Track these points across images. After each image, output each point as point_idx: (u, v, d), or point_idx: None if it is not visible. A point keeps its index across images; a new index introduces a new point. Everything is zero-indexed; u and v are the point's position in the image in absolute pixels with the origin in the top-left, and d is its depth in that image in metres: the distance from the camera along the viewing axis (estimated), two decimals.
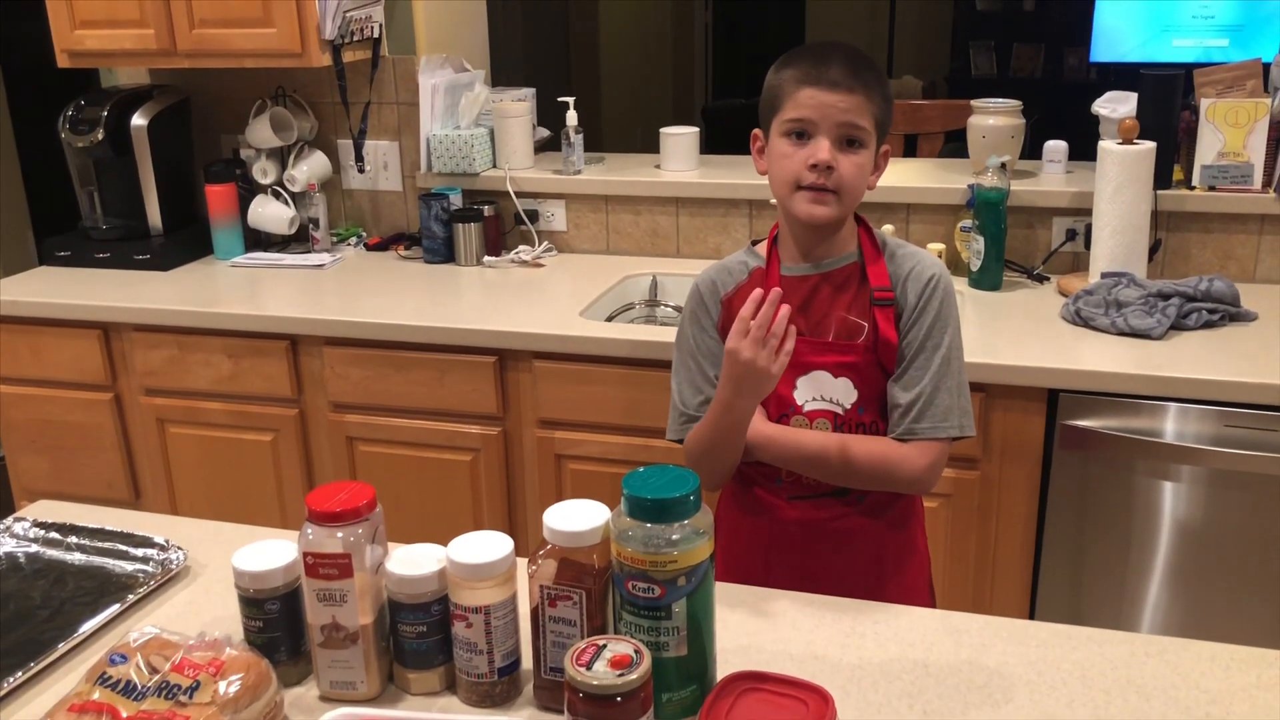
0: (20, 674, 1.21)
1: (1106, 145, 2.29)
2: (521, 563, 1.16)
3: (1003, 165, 2.42)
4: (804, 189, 1.47)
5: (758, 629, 1.28)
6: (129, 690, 1.07)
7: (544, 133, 3.06)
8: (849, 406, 1.51)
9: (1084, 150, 2.66)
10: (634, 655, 1.00)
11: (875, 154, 1.50)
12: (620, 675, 0.97)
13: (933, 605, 1.61)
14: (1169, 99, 2.39)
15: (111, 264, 2.86)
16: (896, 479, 1.50)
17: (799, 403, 1.52)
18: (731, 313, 1.49)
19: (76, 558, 1.47)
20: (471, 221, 2.75)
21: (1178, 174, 2.46)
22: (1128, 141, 2.27)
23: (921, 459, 1.48)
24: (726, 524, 1.60)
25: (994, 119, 2.60)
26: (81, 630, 1.29)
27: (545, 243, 2.86)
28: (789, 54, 1.51)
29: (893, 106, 1.52)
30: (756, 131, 1.57)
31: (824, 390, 1.51)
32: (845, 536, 1.55)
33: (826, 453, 1.48)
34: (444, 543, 1.17)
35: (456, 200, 2.81)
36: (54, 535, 1.51)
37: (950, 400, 1.48)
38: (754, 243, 1.63)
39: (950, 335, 1.50)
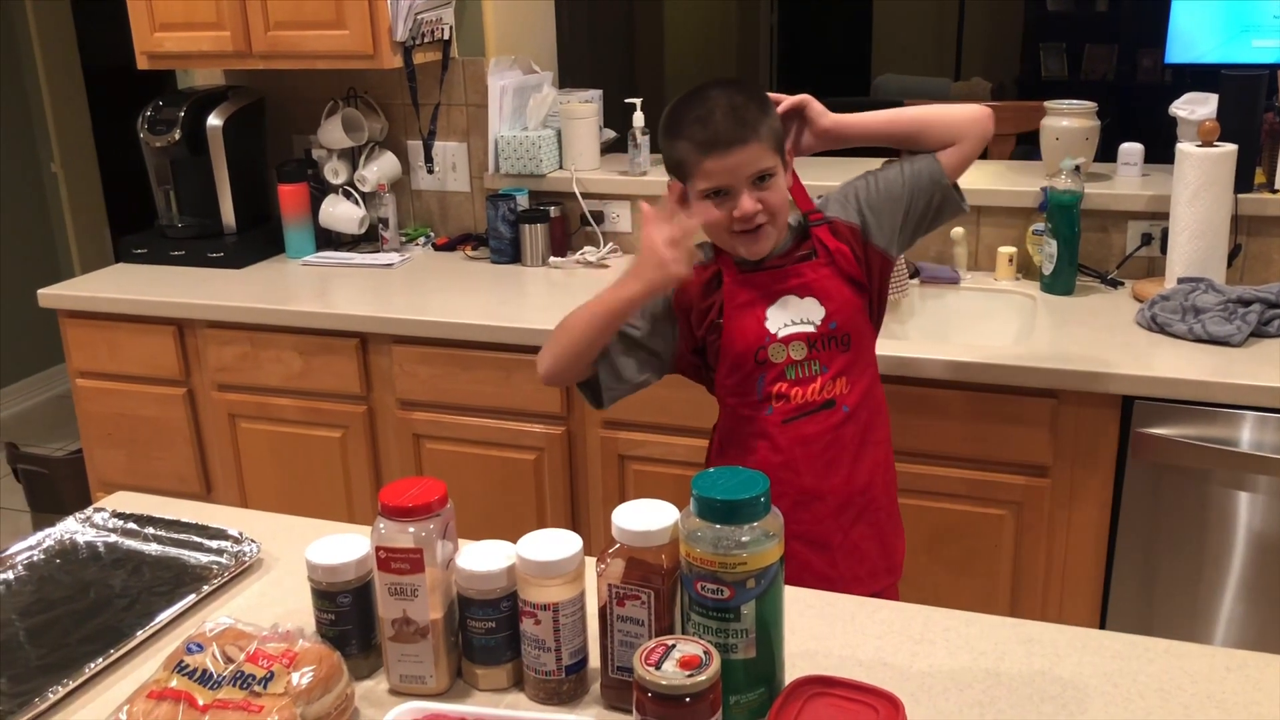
0: (101, 660, 1.24)
1: (1185, 148, 2.24)
2: (590, 561, 1.16)
3: (1077, 168, 2.38)
4: (738, 234, 1.58)
5: (825, 633, 1.27)
6: (205, 679, 1.08)
7: (610, 134, 3.06)
8: (819, 322, 1.62)
9: (1158, 153, 2.61)
10: (703, 656, 0.99)
11: (785, 164, 1.61)
12: (690, 676, 0.97)
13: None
14: (1251, 100, 2.33)
15: (186, 262, 2.92)
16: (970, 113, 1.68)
17: (773, 331, 1.62)
18: (684, 296, 1.64)
19: (153, 548, 1.50)
20: (538, 222, 2.77)
21: (1259, 177, 2.40)
22: (1207, 144, 2.22)
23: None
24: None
25: (1068, 121, 2.55)
26: (159, 619, 1.31)
27: (610, 244, 2.86)
28: (672, 117, 1.60)
29: (778, 118, 1.62)
30: (672, 183, 1.64)
31: (794, 313, 1.62)
32: (839, 447, 1.63)
33: (900, 117, 1.70)
34: (507, 540, 1.18)
35: (523, 201, 2.82)
36: (132, 526, 1.54)
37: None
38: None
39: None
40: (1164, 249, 2.38)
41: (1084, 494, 2.09)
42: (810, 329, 1.62)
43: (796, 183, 1.67)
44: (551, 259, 2.79)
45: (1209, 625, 2.08)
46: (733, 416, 1.67)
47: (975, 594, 2.18)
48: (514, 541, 1.17)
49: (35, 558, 1.48)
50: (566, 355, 1.62)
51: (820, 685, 1.09)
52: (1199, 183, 2.22)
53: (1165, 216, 2.35)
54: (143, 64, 2.87)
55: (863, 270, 1.66)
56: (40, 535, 1.52)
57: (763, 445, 1.64)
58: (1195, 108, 2.44)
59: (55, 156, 4.73)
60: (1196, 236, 2.25)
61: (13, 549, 1.49)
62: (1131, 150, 2.60)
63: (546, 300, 2.57)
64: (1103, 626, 2.14)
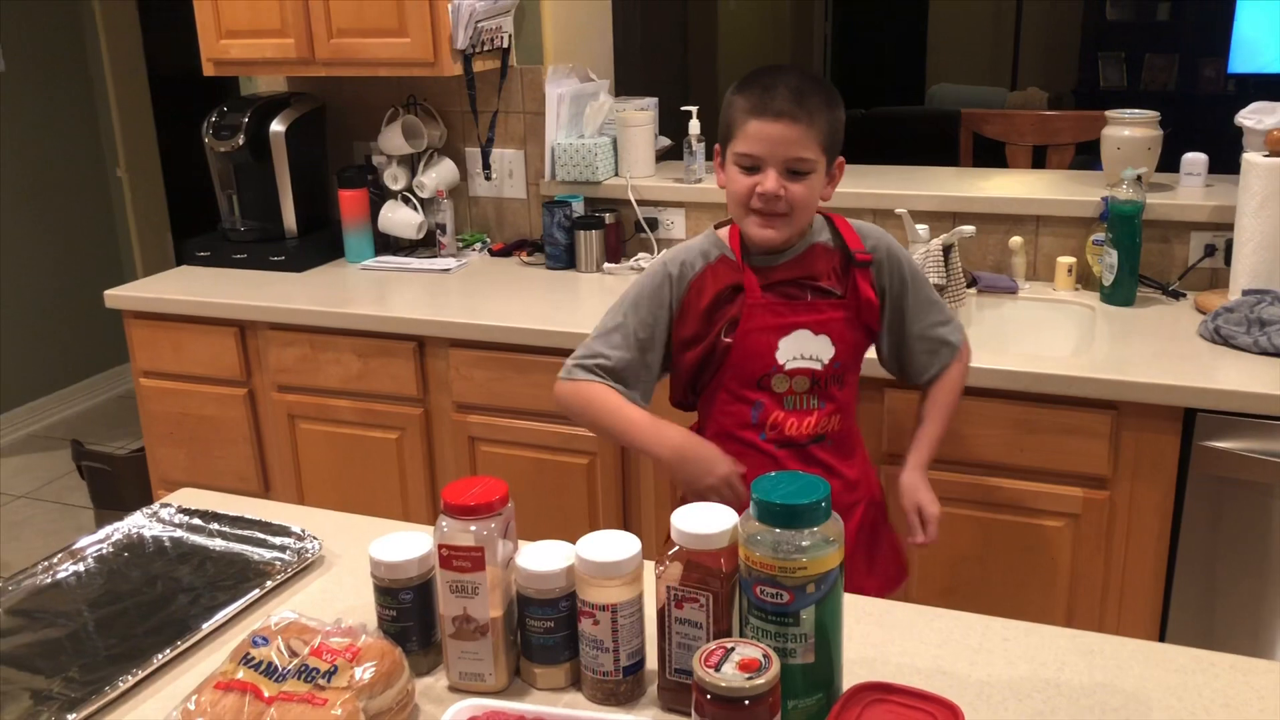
0: (168, 651, 1.26)
1: (1252, 158, 2.21)
2: (648, 563, 1.17)
3: (1138, 177, 2.35)
4: (754, 212, 1.60)
5: (883, 641, 1.26)
6: (270, 671, 1.10)
7: (665, 142, 3.08)
8: (826, 362, 1.65)
9: (1219, 164, 2.58)
10: (763, 659, 1.00)
11: (826, 172, 1.62)
12: (749, 679, 0.97)
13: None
14: None
15: (248, 265, 2.97)
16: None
17: (780, 362, 1.63)
18: (697, 292, 1.65)
19: (218, 544, 1.53)
20: (593, 229, 2.79)
21: None
22: (1275, 153, 2.19)
23: (966, 359, 1.80)
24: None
25: (1130, 130, 2.52)
26: (223, 613, 1.34)
27: (664, 250, 2.87)
28: (744, 78, 1.62)
29: (842, 124, 1.62)
30: (718, 147, 1.67)
31: (804, 348, 1.64)
32: (823, 467, 1.67)
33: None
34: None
35: (579, 208, 2.84)
36: (196, 522, 1.57)
37: (951, 314, 1.79)
38: (717, 226, 1.72)
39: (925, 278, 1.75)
40: (1228, 260, 2.34)
41: (1144, 507, 2.06)
42: (818, 366, 1.64)
43: (845, 224, 1.69)
44: (606, 265, 2.81)
45: (1271, 642, 2.04)
46: (727, 431, 1.68)
47: (1030, 606, 2.16)
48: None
49: (104, 551, 1.52)
50: (581, 420, 1.74)
51: (879, 692, 1.09)
52: (1265, 193, 2.18)
53: (1229, 227, 2.32)
54: (208, 70, 2.92)
55: (879, 321, 1.70)
56: (109, 529, 1.56)
57: (754, 454, 1.65)
58: (1262, 117, 2.40)
59: (120, 161, 4.83)
60: (1263, 248, 2.21)
61: (82, 542, 1.52)
62: (1195, 160, 2.57)
63: (600, 306, 2.55)
64: (1162, 641, 2.11)
